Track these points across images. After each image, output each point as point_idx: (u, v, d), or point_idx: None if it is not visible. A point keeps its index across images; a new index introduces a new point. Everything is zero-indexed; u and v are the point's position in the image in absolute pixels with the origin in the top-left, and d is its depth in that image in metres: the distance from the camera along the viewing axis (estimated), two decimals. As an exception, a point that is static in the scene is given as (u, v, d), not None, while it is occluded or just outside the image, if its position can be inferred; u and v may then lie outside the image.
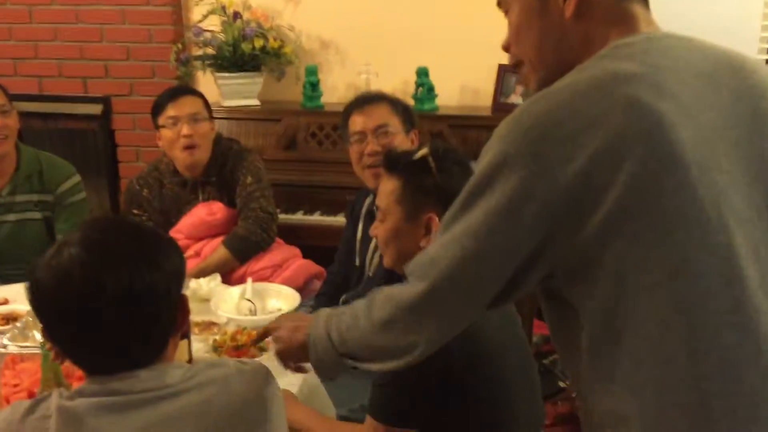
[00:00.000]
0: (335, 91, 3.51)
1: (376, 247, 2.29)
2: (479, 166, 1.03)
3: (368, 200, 2.36)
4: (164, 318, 1.11)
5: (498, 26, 1.19)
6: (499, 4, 1.16)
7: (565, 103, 0.99)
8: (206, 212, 2.68)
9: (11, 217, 2.68)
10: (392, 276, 2.19)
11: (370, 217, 2.34)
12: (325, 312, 1.29)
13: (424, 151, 1.59)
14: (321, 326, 1.25)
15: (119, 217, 1.13)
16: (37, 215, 2.71)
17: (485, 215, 1.00)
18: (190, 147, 2.60)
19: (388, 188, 1.61)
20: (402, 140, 2.29)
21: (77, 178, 2.77)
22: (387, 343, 1.15)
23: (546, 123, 0.98)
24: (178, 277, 1.13)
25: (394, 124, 2.31)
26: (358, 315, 1.19)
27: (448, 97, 3.37)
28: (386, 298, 1.15)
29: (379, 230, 1.64)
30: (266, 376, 1.18)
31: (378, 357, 1.19)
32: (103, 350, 1.09)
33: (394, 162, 1.63)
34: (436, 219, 1.55)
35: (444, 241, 1.05)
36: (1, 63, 3.67)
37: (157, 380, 1.09)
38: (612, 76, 0.99)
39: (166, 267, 1.10)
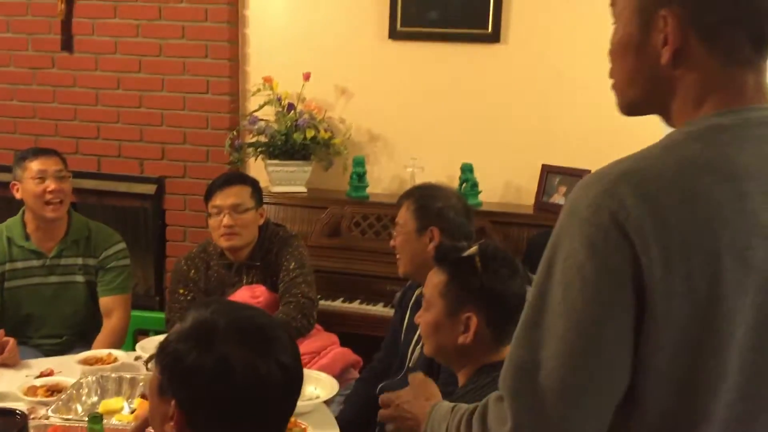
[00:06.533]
0: (380, 182, 3.61)
1: (418, 340, 2.30)
2: None
3: (417, 291, 2.39)
4: None
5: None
6: (613, 4, 1.05)
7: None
8: (249, 295, 2.73)
9: (53, 279, 2.74)
10: (431, 366, 2.20)
11: (417, 308, 2.37)
12: (447, 407, 1.25)
13: (473, 249, 1.63)
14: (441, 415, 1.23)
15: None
16: (80, 278, 2.76)
17: None
18: (229, 235, 2.68)
19: (434, 280, 1.65)
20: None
21: (123, 245, 2.84)
22: None
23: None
24: None
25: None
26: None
27: (491, 193, 3.43)
28: None
29: (422, 319, 1.68)
30: None
31: None
32: None
33: (443, 255, 1.67)
34: (475, 319, 1.57)
35: None
36: (66, 141, 3.83)
37: None
38: (696, 174, 0.91)
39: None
